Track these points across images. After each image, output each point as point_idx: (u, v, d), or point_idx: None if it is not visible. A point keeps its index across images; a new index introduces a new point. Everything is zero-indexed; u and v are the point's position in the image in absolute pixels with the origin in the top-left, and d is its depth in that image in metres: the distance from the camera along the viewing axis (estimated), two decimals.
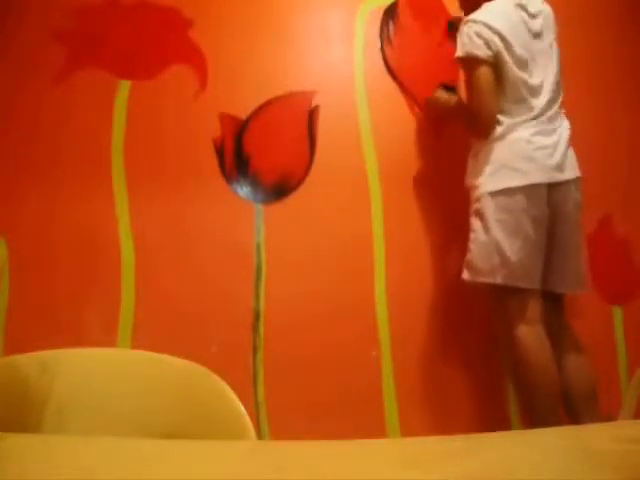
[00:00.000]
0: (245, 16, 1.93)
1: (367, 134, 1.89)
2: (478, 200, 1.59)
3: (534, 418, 1.52)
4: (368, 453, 0.52)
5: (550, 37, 1.67)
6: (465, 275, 1.61)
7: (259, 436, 1.62)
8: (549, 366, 1.50)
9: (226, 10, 1.92)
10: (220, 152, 1.82)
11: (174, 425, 0.80)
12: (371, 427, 1.70)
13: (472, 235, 1.60)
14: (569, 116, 1.67)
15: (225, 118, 1.84)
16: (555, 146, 1.58)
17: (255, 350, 1.71)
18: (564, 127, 1.63)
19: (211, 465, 0.48)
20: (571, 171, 1.60)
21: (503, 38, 1.57)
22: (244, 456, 0.54)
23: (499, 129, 1.57)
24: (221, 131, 1.83)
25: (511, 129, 1.57)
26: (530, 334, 1.51)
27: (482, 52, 1.55)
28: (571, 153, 1.62)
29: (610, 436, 0.53)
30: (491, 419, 1.78)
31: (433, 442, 0.56)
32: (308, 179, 1.84)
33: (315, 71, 1.93)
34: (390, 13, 1.99)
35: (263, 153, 1.84)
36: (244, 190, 1.81)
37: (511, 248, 1.53)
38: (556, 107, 1.63)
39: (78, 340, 1.60)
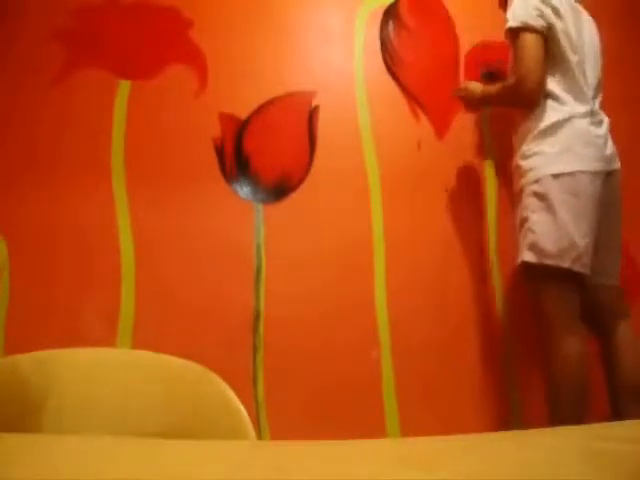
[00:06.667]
0: (245, 16, 1.93)
1: (367, 134, 1.89)
2: (537, 182, 1.55)
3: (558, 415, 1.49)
4: (368, 453, 0.52)
5: None
6: (529, 257, 1.54)
7: (259, 436, 1.62)
8: (585, 373, 1.47)
9: (226, 10, 1.92)
10: (220, 152, 1.82)
11: (173, 425, 0.80)
12: (371, 427, 1.70)
13: (533, 216, 1.54)
14: None
15: (225, 118, 1.84)
16: (606, 136, 1.60)
17: (255, 350, 1.71)
18: (606, 119, 1.64)
19: (211, 465, 0.48)
20: (617, 162, 1.63)
21: (557, 13, 1.55)
22: (244, 456, 0.54)
23: (560, 115, 1.55)
24: (221, 131, 1.83)
25: (572, 116, 1.56)
26: (575, 344, 1.47)
27: (535, 22, 1.53)
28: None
29: (611, 436, 0.53)
30: (491, 419, 1.78)
31: (433, 442, 0.56)
32: (308, 179, 1.84)
33: (315, 71, 1.93)
34: (390, 13, 1.99)
35: (263, 153, 1.84)
36: (244, 190, 1.81)
37: (578, 231, 1.50)
38: (599, 99, 1.65)
39: (78, 340, 1.60)
